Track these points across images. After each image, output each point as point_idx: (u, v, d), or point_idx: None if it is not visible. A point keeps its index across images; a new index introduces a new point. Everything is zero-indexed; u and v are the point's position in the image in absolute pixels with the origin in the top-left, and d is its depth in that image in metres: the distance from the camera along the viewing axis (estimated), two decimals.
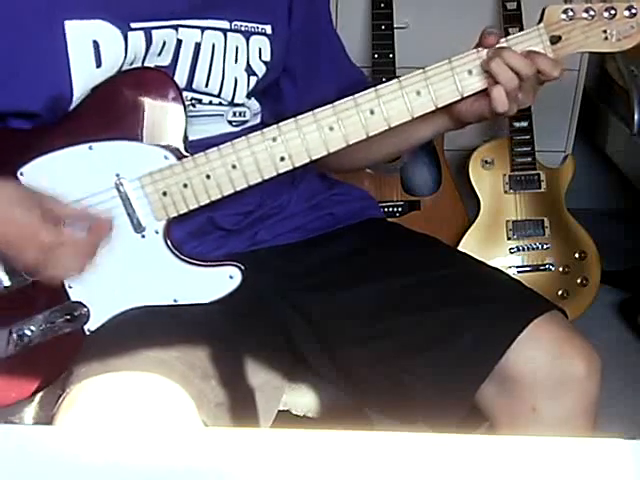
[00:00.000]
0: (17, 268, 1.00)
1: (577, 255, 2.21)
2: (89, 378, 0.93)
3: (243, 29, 1.10)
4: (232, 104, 1.12)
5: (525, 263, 2.19)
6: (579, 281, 2.21)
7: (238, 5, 1.10)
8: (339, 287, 1.14)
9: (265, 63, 1.13)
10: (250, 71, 1.11)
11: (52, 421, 0.92)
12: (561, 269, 2.20)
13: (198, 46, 1.07)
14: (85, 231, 0.99)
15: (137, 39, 1.02)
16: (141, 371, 0.92)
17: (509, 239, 2.20)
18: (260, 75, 1.13)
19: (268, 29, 1.12)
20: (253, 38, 1.11)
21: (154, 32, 1.02)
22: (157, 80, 1.03)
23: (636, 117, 2.16)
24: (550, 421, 1.03)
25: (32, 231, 0.94)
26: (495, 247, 2.19)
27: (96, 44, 1.00)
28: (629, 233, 2.53)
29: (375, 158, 1.28)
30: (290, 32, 1.15)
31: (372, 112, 1.03)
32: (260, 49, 1.12)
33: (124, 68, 1.03)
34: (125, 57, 1.02)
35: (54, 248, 0.95)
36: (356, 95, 1.03)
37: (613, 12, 1.02)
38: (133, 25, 1.01)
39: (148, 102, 1.02)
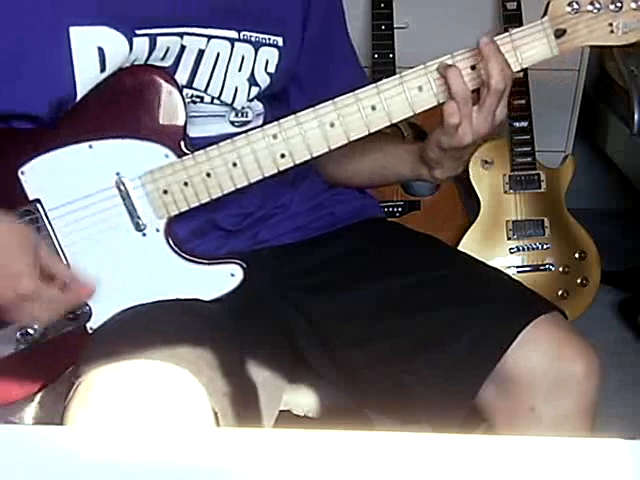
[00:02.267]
0: None
1: (577, 255, 2.21)
2: (101, 367, 0.93)
3: (253, 39, 1.09)
4: (232, 107, 1.12)
5: (525, 263, 2.19)
6: (579, 281, 2.21)
7: (250, 15, 1.09)
8: (339, 287, 1.14)
9: (269, 75, 1.12)
10: (252, 81, 1.11)
11: (65, 411, 0.92)
12: (561, 269, 2.20)
13: (201, 53, 1.06)
14: (63, 293, 0.99)
15: (142, 45, 1.01)
16: (152, 360, 0.93)
17: (509, 239, 2.19)
18: (263, 86, 1.12)
19: (280, 41, 1.11)
20: (263, 49, 1.10)
21: (159, 38, 1.02)
22: (157, 77, 1.02)
23: (636, 117, 2.16)
24: (549, 421, 1.03)
25: (16, 274, 0.95)
26: (495, 247, 2.19)
27: (101, 50, 1.00)
28: (629, 233, 2.53)
29: (360, 182, 1.27)
30: (302, 42, 1.14)
31: (373, 108, 1.02)
32: (267, 60, 1.11)
33: (124, 66, 1.03)
34: (128, 60, 1.02)
35: (29, 298, 0.96)
36: (357, 91, 1.02)
37: (619, 5, 1.00)
38: (138, 32, 1.01)
39: (148, 100, 1.02)
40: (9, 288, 0.95)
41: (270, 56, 1.11)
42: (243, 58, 1.09)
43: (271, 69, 1.12)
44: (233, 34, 1.07)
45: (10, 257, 0.95)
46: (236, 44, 1.08)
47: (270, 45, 1.11)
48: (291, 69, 1.15)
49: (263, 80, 1.12)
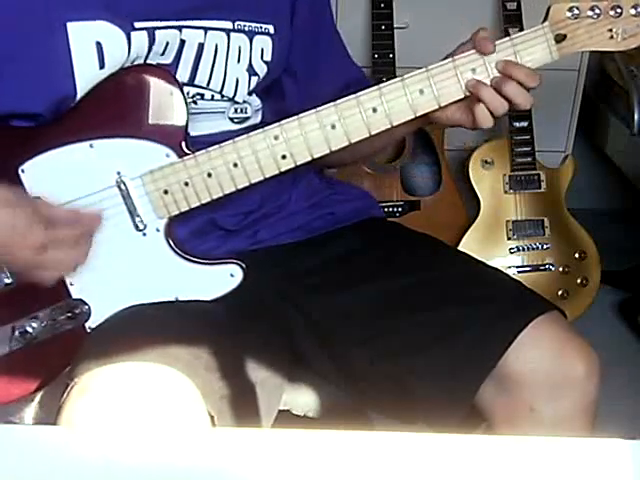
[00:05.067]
0: (10, 270, 1.00)
1: (577, 255, 2.21)
2: (96, 369, 0.93)
3: (246, 29, 1.10)
4: (233, 101, 1.12)
5: (525, 263, 2.19)
6: (579, 281, 2.22)
7: (241, 5, 1.10)
8: (339, 287, 1.14)
9: (266, 63, 1.13)
10: (252, 71, 1.12)
11: (58, 413, 0.91)
12: (561, 269, 2.20)
13: (201, 46, 1.06)
14: (75, 229, 0.98)
15: (140, 39, 1.01)
16: (147, 361, 0.92)
17: (509, 239, 2.20)
18: (261, 75, 1.13)
19: (271, 29, 1.12)
20: (256, 38, 1.11)
21: (157, 32, 1.02)
22: (158, 76, 1.02)
23: (636, 117, 2.16)
24: (548, 421, 1.03)
25: (21, 232, 0.94)
26: (495, 247, 2.19)
27: (99, 45, 1.00)
28: (629, 233, 2.53)
29: (355, 157, 1.28)
30: (292, 31, 1.15)
31: (375, 110, 1.02)
32: (262, 49, 1.12)
33: (125, 66, 1.03)
34: (128, 57, 1.02)
35: (44, 249, 0.95)
36: (359, 93, 1.02)
37: (619, 11, 1.00)
38: (136, 25, 1.01)
39: (149, 99, 1.02)
40: (20, 249, 0.94)
41: (264, 45, 1.12)
42: (240, 49, 1.10)
43: (267, 57, 1.13)
44: (228, 24, 1.08)
45: (10, 218, 0.94)
46: (231, 35, 1.08)
47: (263, 33, 1.11)
48: (285, 57, 1.16)
49: (261, 69, 1.12)
